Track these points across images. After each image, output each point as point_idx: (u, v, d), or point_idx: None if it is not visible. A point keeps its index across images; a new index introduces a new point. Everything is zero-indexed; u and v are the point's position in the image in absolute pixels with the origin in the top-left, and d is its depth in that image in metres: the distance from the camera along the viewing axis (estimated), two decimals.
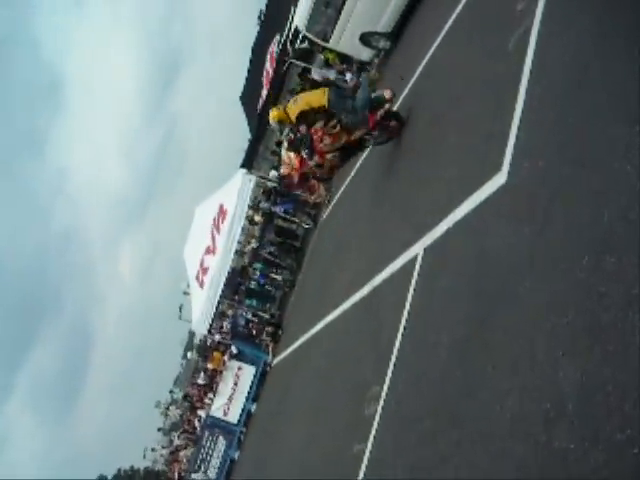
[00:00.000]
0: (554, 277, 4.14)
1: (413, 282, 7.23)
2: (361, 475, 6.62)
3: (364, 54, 18.08)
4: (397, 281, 7.96)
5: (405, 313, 7.11)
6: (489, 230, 5.64)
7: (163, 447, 42.54)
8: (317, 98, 10.28)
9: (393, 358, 6.99)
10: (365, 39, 17.33)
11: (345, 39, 17.60)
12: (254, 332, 23.12)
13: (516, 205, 5.20)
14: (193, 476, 23.50)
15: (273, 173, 22.36)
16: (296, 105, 10.42)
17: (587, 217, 4.03)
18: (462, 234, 6.32)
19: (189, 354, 36.84)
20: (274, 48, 23.28)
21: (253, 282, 23.52)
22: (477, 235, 5.89)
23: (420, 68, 11.45)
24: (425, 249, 7.24)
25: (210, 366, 24.44)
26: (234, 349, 22.82)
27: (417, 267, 7.30)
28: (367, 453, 6.68)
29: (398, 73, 10.72)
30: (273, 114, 10.76)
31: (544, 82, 5.64)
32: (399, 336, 7.05)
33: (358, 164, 15.17)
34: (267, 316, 23.07)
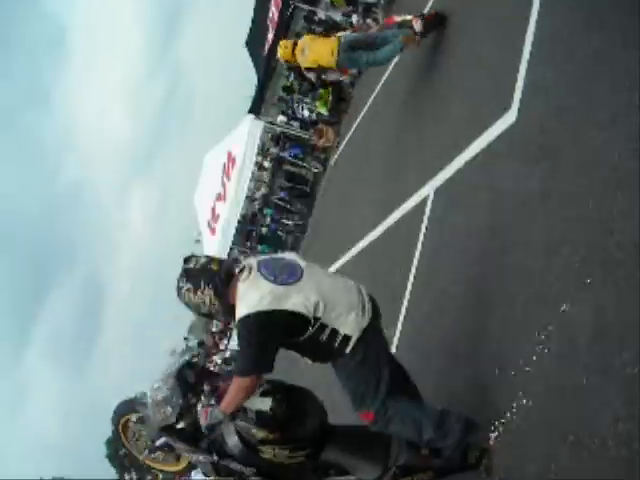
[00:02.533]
0: (566, 214, 4.15)
1: (425, 222, 7.23)
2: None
3: None
4: (409, 222, 7.95)
5: (417, 254, 7.14)
6: (500, 169, 5.62)
7: None
8: (326, 55, 9.31)
9: (405, 300, 7.04)
10: None
11: None
12: None
13: (526, 143, 5.17)
14: None
15: (281, 118, 22.17)
16: (304, 57, 9.69)
17: (598, 154, 4.01)
18: (473, 174, 6.30)
19: None
20: None
21: (264, 228, 23.54)
22: (488, 175, 5.87)
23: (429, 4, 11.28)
24: (436, 190, 7.23)
25: None
26: None
27: (428, 208, 7.29)
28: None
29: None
30: (281, 51, 10.15)
31: (554, 15, 5.55)
32: (411, 277, 7.09)
33: (367, 104, 15.06)
34: None
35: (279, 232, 23.33)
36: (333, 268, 12.09)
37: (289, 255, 4.01)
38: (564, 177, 4.34)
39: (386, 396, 3.78)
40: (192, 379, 3.77)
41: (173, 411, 3.60)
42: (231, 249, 21.89)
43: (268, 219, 23.43)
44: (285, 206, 22.87)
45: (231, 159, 20.72)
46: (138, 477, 60.09)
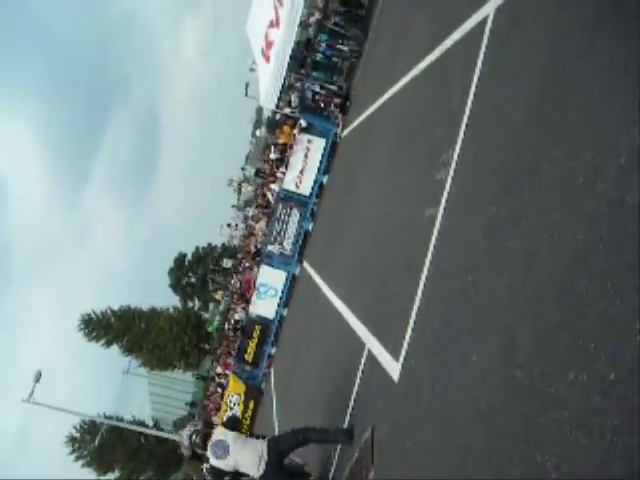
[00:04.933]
0: None
1: (485, 42, 7.08)
2: (433, 240, 6.92)
3: None
4: (468, 43, 7.83)
5: (476, 75, 7.08)
6: None
7: (237, 225, 44.52)
8: None
9: (464, 122, 7.06)
10: None
11: None
12: (322, 104, 23.15)
13: None
14: (269, 248, 24.62)
15: None
16: None
17: None
18: None
19: (258, 132, 37.31)
20: None
21: (319, 54, 23.21)
22: None
23: None
24: (497, 8, 7.05)
25: (280, 140, 24.81)
26: (303, 122, 22.99)
27: (488, 27, 7.14)
28: (439, 217, 6.94)
29: None
30: None
31: None
32: (469, 101, 7.07)
33: None
34: (335, 88, 22.97)
35: (334, 58, 23.01)
36: (391, 92, 12.04)
37: (227, 439, 7.91)
38: None
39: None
40: (195, 446, 8.19)
41: (188, 451, 8.14)
42: (286, 76, 21.79)
43: (323, 45, 23.03)
44: (340, 31, 22.39)
45: None
46: (200, 301, 64.70)
